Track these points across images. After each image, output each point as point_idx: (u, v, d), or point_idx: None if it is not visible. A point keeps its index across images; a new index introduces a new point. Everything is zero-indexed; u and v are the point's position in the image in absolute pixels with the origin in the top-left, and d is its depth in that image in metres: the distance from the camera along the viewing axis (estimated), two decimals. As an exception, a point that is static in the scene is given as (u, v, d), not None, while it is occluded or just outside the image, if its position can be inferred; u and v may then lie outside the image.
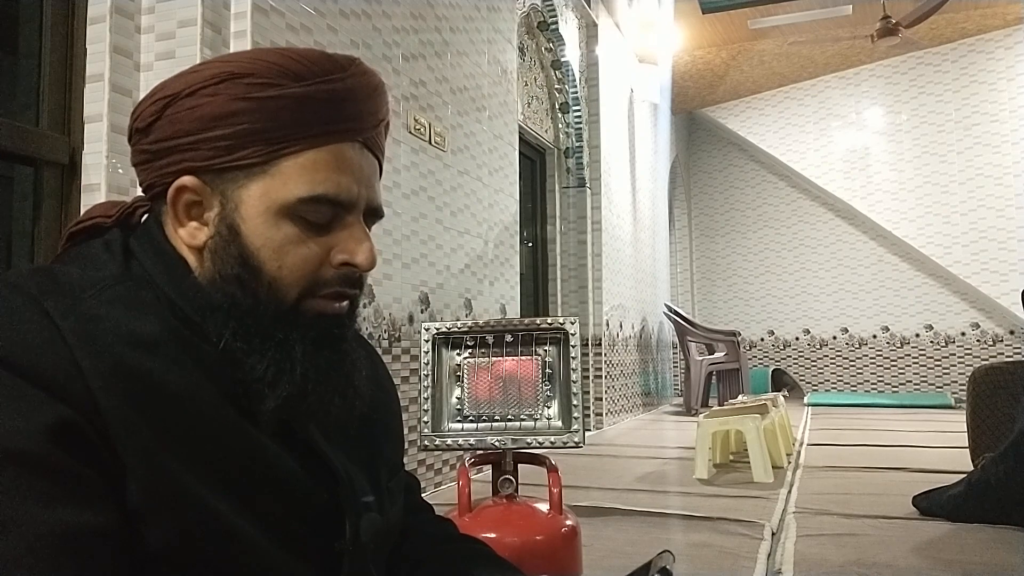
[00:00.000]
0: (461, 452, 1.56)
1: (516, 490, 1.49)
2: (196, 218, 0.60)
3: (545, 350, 1.49)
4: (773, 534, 2.08)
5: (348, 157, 0.61)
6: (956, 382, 6.96)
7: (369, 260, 0.61)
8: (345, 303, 0.63)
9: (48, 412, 0.47)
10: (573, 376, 1.46)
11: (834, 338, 7.68)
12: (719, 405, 4.58)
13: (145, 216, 0.65)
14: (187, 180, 0.59)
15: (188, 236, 0.60)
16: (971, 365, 6.49)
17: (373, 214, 0.65)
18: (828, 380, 7.70)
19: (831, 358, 7.70)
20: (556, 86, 4.82)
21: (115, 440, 0.49)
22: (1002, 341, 6.97)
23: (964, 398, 2.87)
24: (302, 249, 0.59)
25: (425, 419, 1.47)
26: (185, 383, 0.53)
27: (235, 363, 0.57)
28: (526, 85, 4.47)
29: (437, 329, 1.52)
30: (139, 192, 0.67)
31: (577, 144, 4.96)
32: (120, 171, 1.78)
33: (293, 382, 0.58)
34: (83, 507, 0.47)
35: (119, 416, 0.49)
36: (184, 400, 0.53)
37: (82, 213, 0.68)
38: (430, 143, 2.90)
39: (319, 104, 0.59)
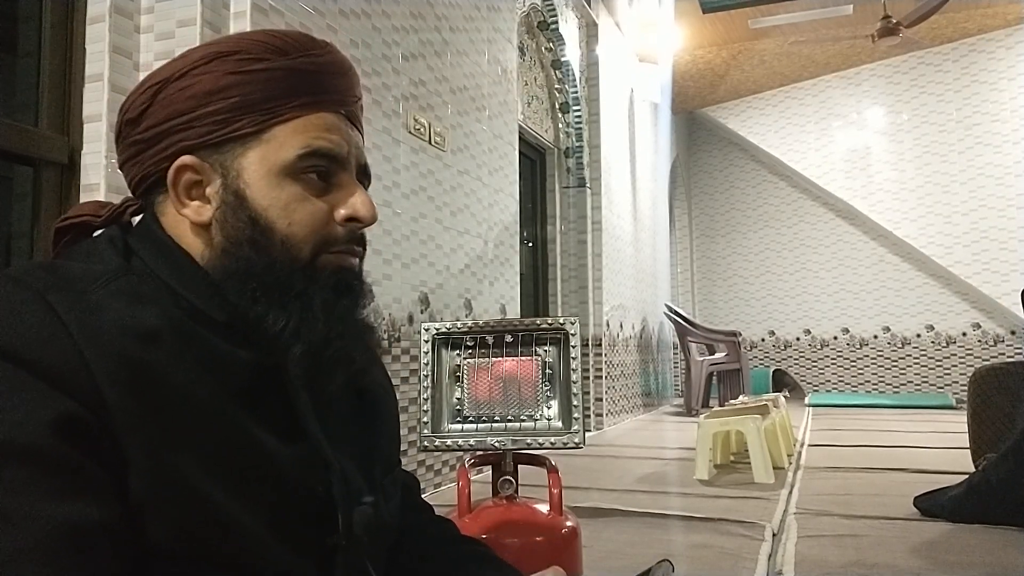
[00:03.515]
0: (461, 453, 1.55)
1: (516, 491, 1.48)
2: (198, 197, 0.62)
3: (545, 350, 1.49)
4: (774, 535, 2.08)
5: (335, 122, 0.64)
6: (957, 382, 6.95)
7: (371, 212, 0.64)
8: (356, 260, 0.66)
9: (53, 405, 0.47)
10: (573, 376, 1.46)
11: (835, 338, 7.68)
12: (720, 406, 4.57)
13: (136, 215, 0.66)
14: (186, 159, 0.61)
15: (194, 214, 0.62)
16: (972, 365, 6.48)
17: (364, 174, 0.68)
18: (829, 380, 7.69)
19: (832, 358, 7.69)
20: (556, 86, 4.81)
21: (119, 433, 0.49)
22: (1003, 341, 6.96)
23: (965, 399, 2.87)
24: (308, 206, 0.62)
25: (425, 420, 1.47)
26: (187, 376, 0.53)
27: (228, 336, 0.58)
28: (526, 85, 4.46)
29: (437, 329, 1.51)
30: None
31: (577, 144, 4.95)
32: (119, 171, 1.78)
33: (316, 330, 0.60)
34: (88, 502, 0.46)
35: (123, 409, 0.49)
36: (186, 393, 0.53)
37: (71, 211, 0.68)
38: (430, 143, 2.90)
39: (305, 75, 0.63)
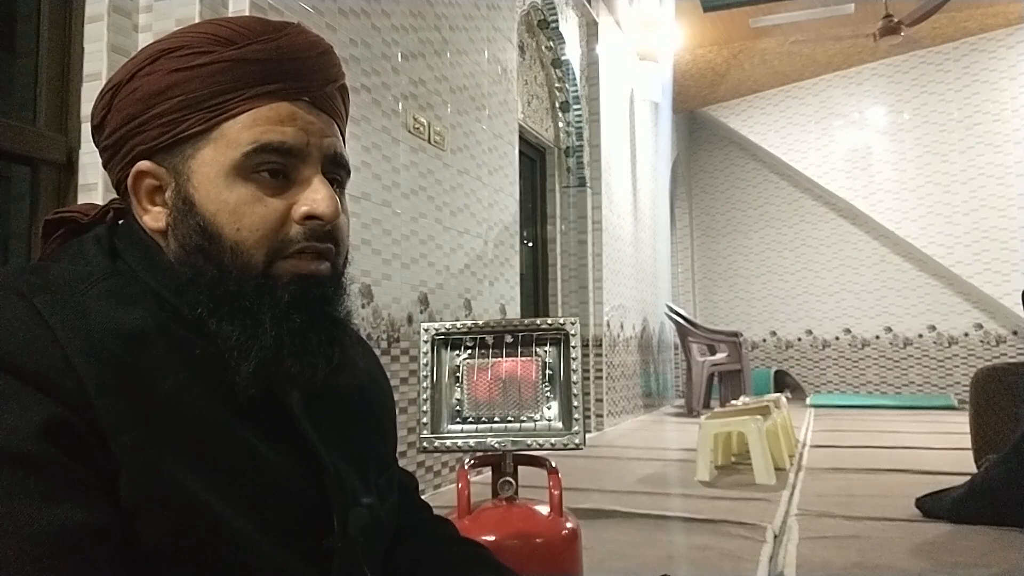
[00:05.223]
0: (460, 454, 1.54)
1: (516, 492, 1.47)
2: (160, 203, 0.61)
3: (545, 351, 1.48)
4: (775, 536, 2.07)
5: (292, 111, 0.60)
6: (959, 383, 6.94)
7: (331, 208, 0.59)
8: (324, 265, 0.61)
9: (41, 410, 0.47)
10: (573, 377, 1.45)
11: (836, 339, 7.66)
12: (721, 406, 4.56)
13: (119, 215, 0.65)
14: (142, 164, 0.60)
15: (152, 221, 0.60)
16: (974, 366, 6.46)
17: (336, 164, 0.63)
18: (831, 381, 7.68)
19: (833, 359, 7.67)
20: (556, 85, 4.81)
21: (108, 436, 0.49)
22: (1005, 342, 6.95)
23: (967, 399, 2.86)
24: (259, 208, 0.58)
25: (424, 420, 1.46)
26: (175, 378, 0.53)
27: (211, 338, 0.56)
28: (526, 84, 4.45)
29: (436, 330, 1.50)
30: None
31: (577, 143, 4.94)
32: (117, 170, 1.77)
33: (265, 347, 0.56)
34: (78, 505, 0.46)
35: (112, 412, 0.49)
36: (174, 395, 0.53)
37: (64, 207, 0.68)
38: (429, 142, 2.89)
39: (253, 65, 0.59)
